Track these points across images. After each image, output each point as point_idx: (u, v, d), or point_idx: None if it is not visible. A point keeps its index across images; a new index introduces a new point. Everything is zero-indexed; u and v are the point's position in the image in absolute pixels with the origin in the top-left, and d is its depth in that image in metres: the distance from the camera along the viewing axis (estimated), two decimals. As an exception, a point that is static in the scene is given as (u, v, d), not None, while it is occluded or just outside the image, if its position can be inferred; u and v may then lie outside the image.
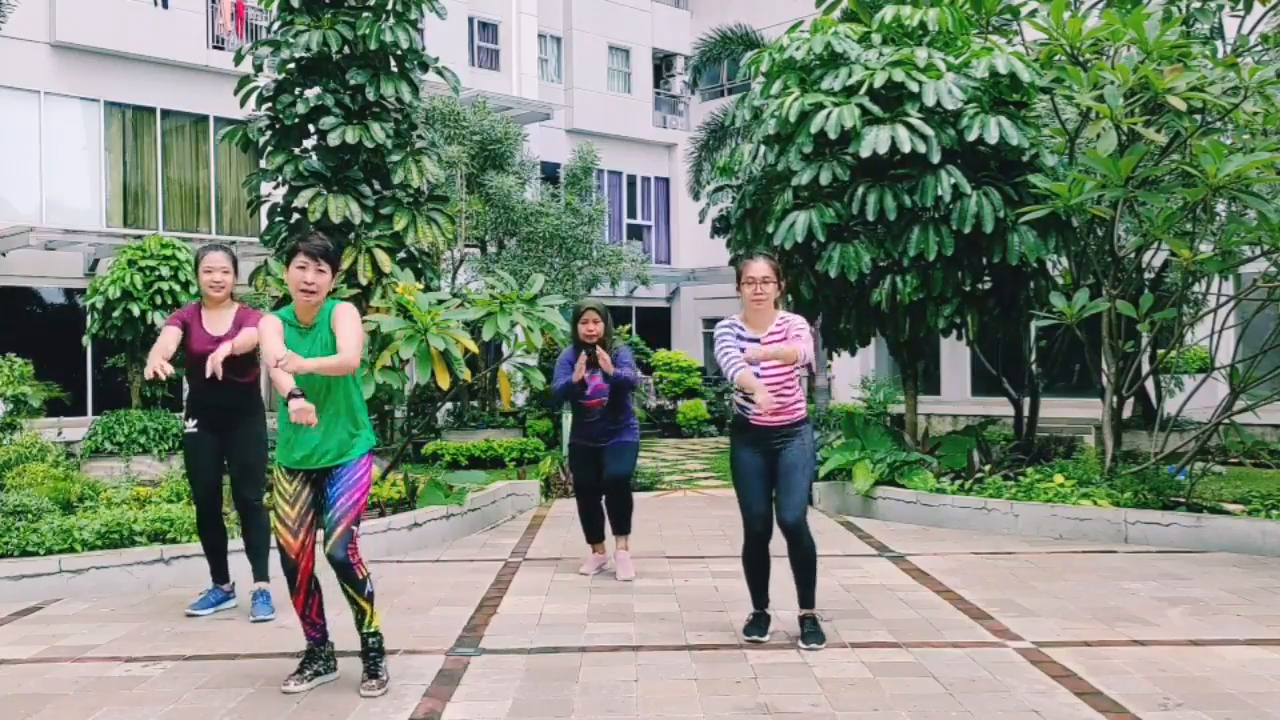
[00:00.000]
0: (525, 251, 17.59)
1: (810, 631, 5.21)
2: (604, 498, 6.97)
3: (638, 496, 10.73)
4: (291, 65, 10.47)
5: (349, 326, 4.49)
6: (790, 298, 9.94)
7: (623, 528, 6.93)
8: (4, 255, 16.64)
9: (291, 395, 4.28)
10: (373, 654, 4.60)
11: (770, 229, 9.56)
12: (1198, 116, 8.07)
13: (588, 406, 6.82)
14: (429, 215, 10.80)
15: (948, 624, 5.57)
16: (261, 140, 10.77)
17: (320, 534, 4.56)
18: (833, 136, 8.93)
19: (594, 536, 7.08)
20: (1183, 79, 7.65)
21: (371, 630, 4.58)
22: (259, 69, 10.71)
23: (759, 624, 5.35)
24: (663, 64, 28.98)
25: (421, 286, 8.65)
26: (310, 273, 4.47)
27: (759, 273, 5.18)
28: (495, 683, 4.64)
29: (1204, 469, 8.89)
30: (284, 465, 4.60)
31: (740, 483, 5.33)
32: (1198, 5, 9.69)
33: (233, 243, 16.79)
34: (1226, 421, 8.63)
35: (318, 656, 4.70)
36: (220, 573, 6.09)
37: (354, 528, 4.51)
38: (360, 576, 4.50)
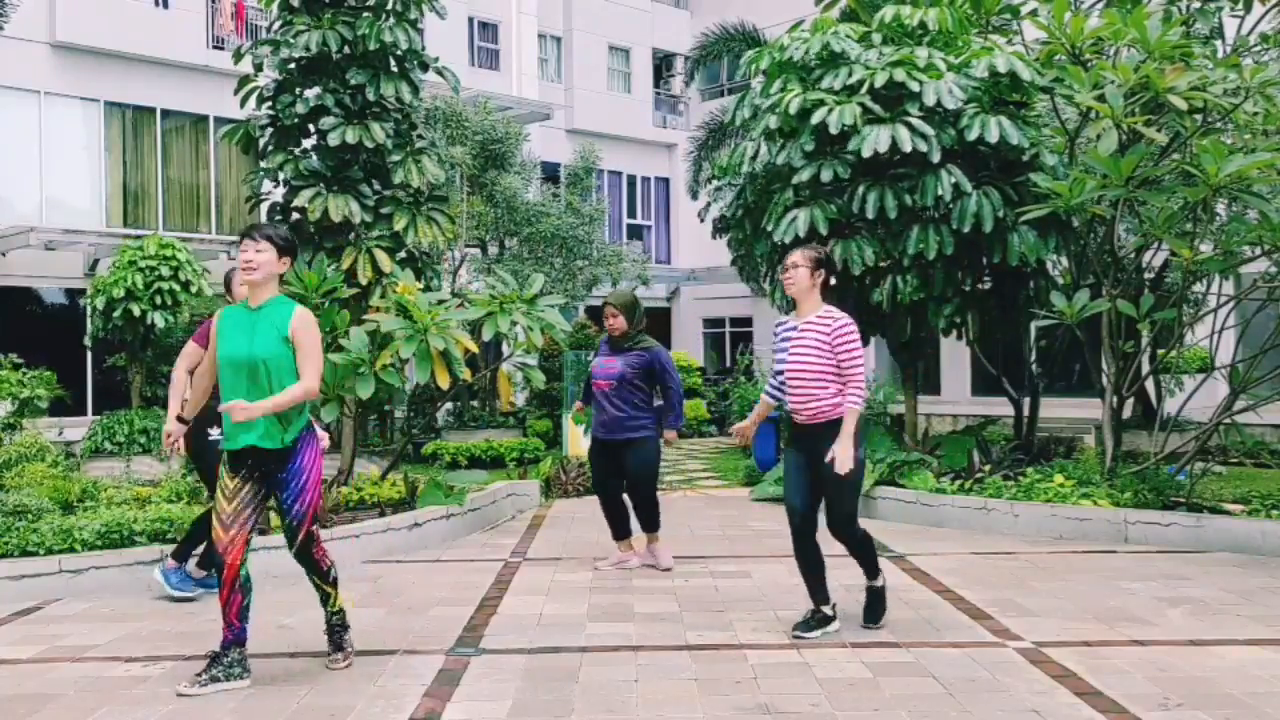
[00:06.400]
0: (526, 251, 17.60)
1: (866, 605, 5.49)
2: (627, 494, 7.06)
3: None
4: (291, 65, 10.46)
5: (310, 347, 4.55)
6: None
7: (649, 525, 7.06)
8: (4, 255, 16.64)
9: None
10: (337, 630, 4.88)
11: (770, 226, 9.56)
12: (1198, 116, 8.07)
13: (597, 388, 6.91)
14: (429, 215, 10.80)
15: (948, 624, 5.57)
16: (262, 140, 10.76)
17: (248, 532, 4.64)
18: (834, 133, 8.94)
19: (617, 534, 7.14)
20: (1184, 79, 7.65)
21: (335, 609, 4.85)
22: (259, 69, 10.70)
23: (806, 621, 5.38)
24: (663, 64, 28.98)
25: (421, 286, 8.64)
26: (249, 252, 4.59)
27: (790, 259, 5.44)
28: (495, 683, 4.64)
29: (1204, 469, 8.89)
30: (228, 458, 4.62)
31: (784, 477, 5.52)
32: (1197, 5, 9.70)
33: (233, 243, 16.80)
34: (1227, 421, 8.63)
35: (220, 661, 4.57)
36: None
37: (314, 528, 4.69)
38: (325, 568, 4.76)
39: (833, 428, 5.26)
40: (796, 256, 5.39)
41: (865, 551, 5.42)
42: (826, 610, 5.38)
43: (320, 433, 4.93)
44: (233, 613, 4.57)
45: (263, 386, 4.53)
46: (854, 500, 5.34)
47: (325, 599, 4.82)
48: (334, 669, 4.79)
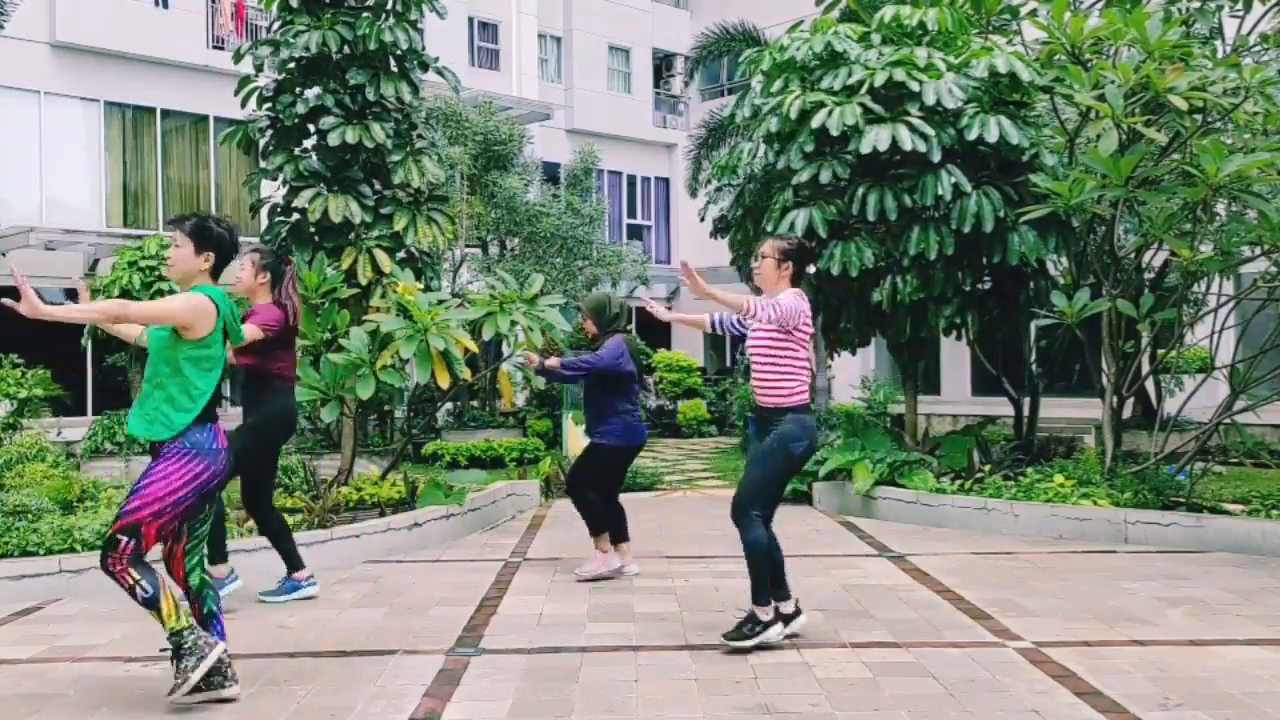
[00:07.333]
0: (527, 251, 17.61)
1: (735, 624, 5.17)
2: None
3: (639, 497, 10.74)
4: (291, 65, 10.47)
5: (166, 299, 4.40)
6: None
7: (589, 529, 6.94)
8: (4, 255, 16.64)
9: None
10: (172, 656, 4.29)
11: (770, 226, 9.56)
12: (1198, 116, 8.07)
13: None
14: (429, 215, 10.81)
15: (948, 624, 5.57)
16: (262, 141, 10.77)
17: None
18: (834, 134, 8.93)
19: (611, 537, 7.02)
20: (1184, 78, 7.65)
21: (168, 630, 4.26)
22: (259, 69, 10.71)
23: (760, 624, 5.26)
24: (663, 64, 28.99)
25: (421, 286, 8.65)
26: (171, 248, 4.48)
27: (759, 249, 5.33)
28: (495, 683, 4.64)
29: (1204, 469, 8.89)
30: None
31: (746, 464, 5.43)
32: (1197, 5, 9.70)
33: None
34: (1227, 421, 8.63)
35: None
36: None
37: (122, 536, 4.18)
38: (125, 585, 4.21)
39: (784, 414, 5.11)
40: (765, 247, 5.30)
41: (752, 559, 5.08)
42: (784, 608, 5.20)
43: (205, 462, 4.30)
44: (196, 622, 4.41)
45: (159, 370, 4.33)
46: (756, 488, 5.09)
47: (158, 621, 4.26)
48: (174, 699, 4.25)
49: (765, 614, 5.11)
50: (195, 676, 4.22)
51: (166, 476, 4.24)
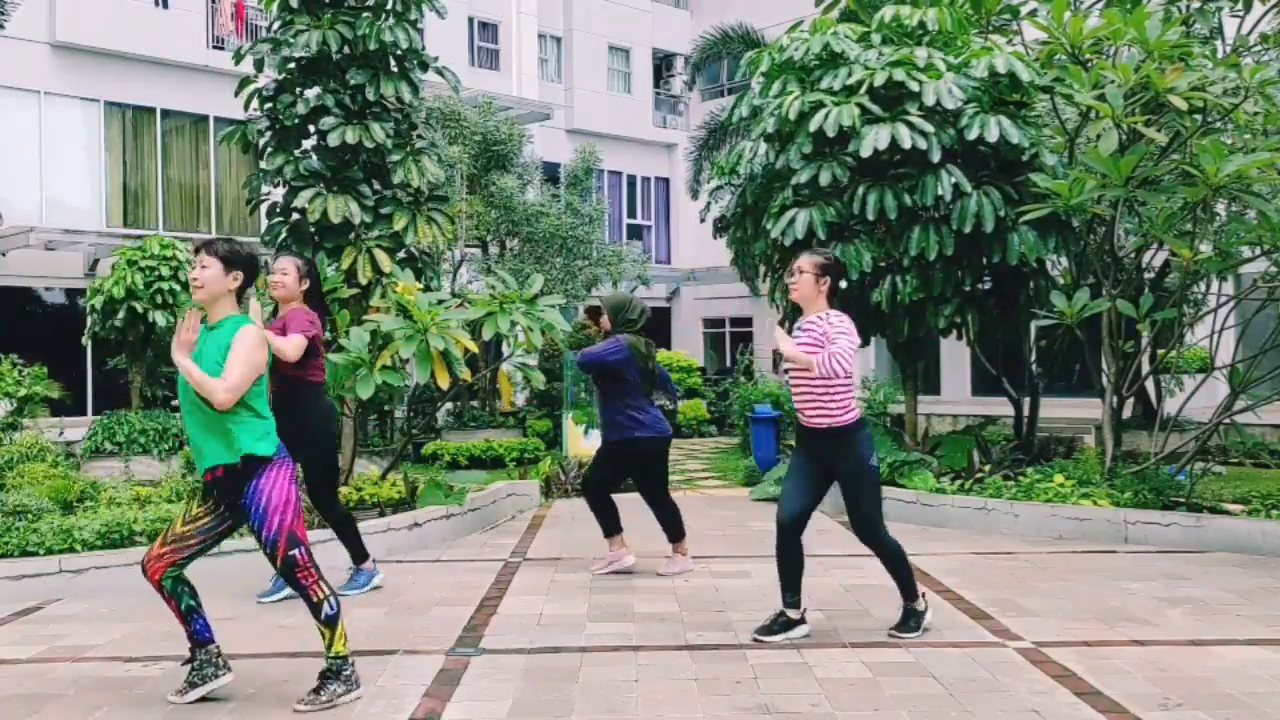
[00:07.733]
0: (526, 251, 17.61)
1: (900, 621, 5.36)
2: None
3: (639, 496, 10.72)
4: (291, 65, 10.46)
5: (238, 354, 4.21)
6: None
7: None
8: (4, 255, 16.64)
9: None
10: (324, 674, 4.41)
11: (769, 225, 9.56)
12: (1198, 116, 8.07)
13: None
14: (429, 215, 10.79)
15: (948, 624, 5.56)
16: (261, 141, 10.76)
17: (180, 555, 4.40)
18: (831, 135, 8.93)
19: (604, 530, 7.09)
20: (1184, 78, 7.65)
21: (331, 654, 4.40)
22: (260, 67, 10.70)
23: (769, 625, 5.30)
24: (663, 64, 28.99)
25: (421, 286, 8.65)
26: (196, 269, 4.36)
27: (795, 264, 5.36)
28: (495, 683, 4.64)
29: (1204, 469, 8.89)
30: (201, 486, 4.46)
31: (785, 476, 5.45)
32: (1197, 5, 9.70)
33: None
34: (1227, 421, 8.64)
35: (191, 665, 4.48)
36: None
37: (295, 551, 4.29)
38: (313, 600, 4.33)
39: (841, 435, 5.14)
40: (802, 262, 5.26)
41: (897, 567, 5.27)
42: (793, 614, 5.29)
43: (289, 460, 4.43)
44: (178, 619, 4.45)
45: (201, 407, 4.26)
46: (871, 505, 5.18)
47: (323, 639, 4.40)
48: (297, 710, 4.30)
49: (920, 605, 5.34)
50: (339, 704, 4.35)
51: (276, 482, 4.34)
